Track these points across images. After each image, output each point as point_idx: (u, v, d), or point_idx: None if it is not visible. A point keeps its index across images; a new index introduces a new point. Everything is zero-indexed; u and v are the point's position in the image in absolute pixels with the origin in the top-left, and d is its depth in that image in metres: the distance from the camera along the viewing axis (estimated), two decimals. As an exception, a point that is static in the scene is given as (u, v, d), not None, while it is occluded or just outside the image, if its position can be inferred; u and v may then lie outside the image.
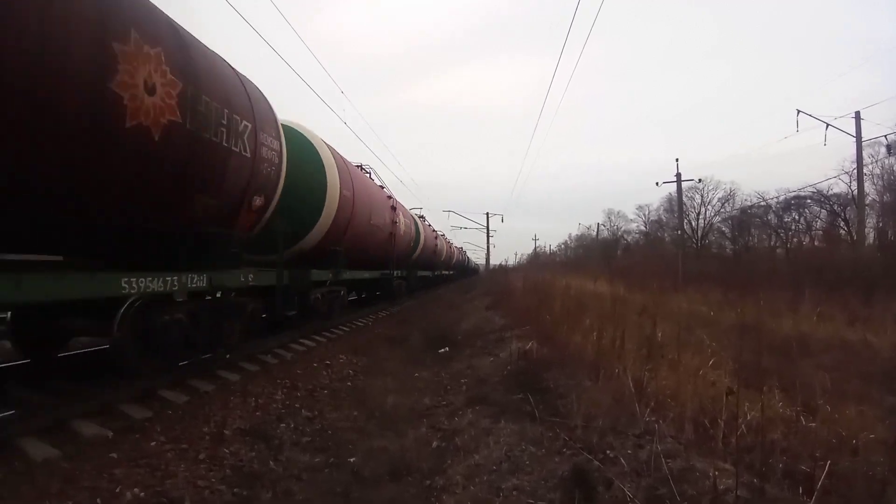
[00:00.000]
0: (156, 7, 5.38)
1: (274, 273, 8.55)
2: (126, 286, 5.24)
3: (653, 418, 4.37)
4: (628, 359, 6.01)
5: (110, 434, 4.55)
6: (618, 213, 68.01)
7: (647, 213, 59.55)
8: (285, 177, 8.16)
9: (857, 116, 21.73)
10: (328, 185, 10.46)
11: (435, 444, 4.99)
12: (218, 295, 7.06)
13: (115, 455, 4.17)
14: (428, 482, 4.10)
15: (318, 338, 10.53)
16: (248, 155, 6.83)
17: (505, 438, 4.56)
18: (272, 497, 3.88)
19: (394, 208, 16.59)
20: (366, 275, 14.84)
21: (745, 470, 3.35)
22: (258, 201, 7.41)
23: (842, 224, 35.40)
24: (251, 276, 7.70)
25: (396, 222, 16.91)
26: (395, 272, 18.03)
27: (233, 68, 6.98)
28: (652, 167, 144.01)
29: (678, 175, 30.43)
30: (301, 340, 9.83)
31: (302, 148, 10.14)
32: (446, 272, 41.14)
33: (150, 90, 4.91)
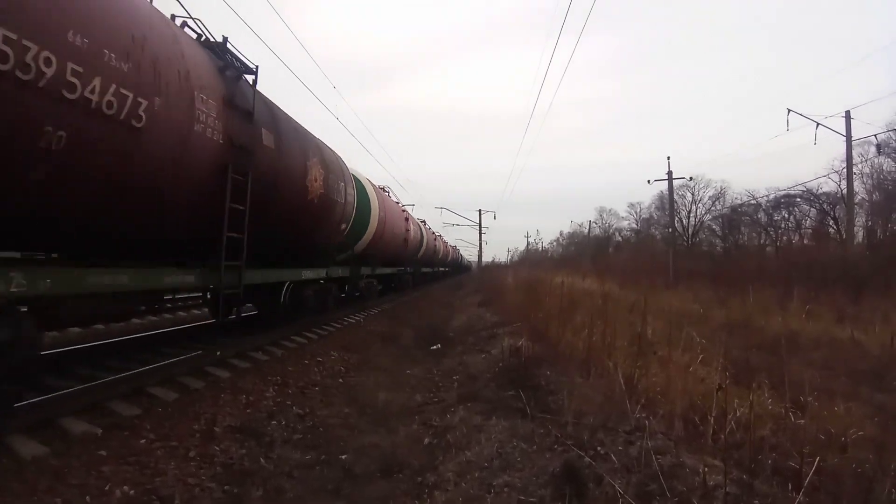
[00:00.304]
0: (314, 136, 10.29)
1: (347, 268, 13.89)
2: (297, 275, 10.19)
3: (643, 415, 4.40)
4: (619, 356, 6.04)
5: (99, 431, 4.52)
6: (609, 210, 68.26)
7: (638, 210, 59.78)
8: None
9: (848, 116, 21.90)
10: (372, 211, 15.56)
11: (426, 440, 4.99)
12: (322, 281, 11.66)
13: (104, 452, 4.14)
14: (419, 479, 4.10)
15: (309, 335, 10.49)
16: (342, 201, 11.13)
17: (496, 435, 4.56)
18: (263, 494, 3.87)
19: (407, 219, 21.30)
20: (388, 270, 19.88)
21: (734, 466, 3.37)
22: (343, 226, 12.07)
23: (831, 223, 35.67)
24: (340, 270, 13.30)
25: (408, 230, 21.46)
26: (406, 269, 23.70)
27: (333, 150, 11.25)
28: (643, 165, 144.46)
29: (669, 173, 30.59)
30: (292, 337, 9.79)
31: (357, 186, 13.78)
32: (443, 269, 45.66)
33: (314, 179, 9.35)
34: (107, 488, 3.60)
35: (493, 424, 4.86)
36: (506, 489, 3.54)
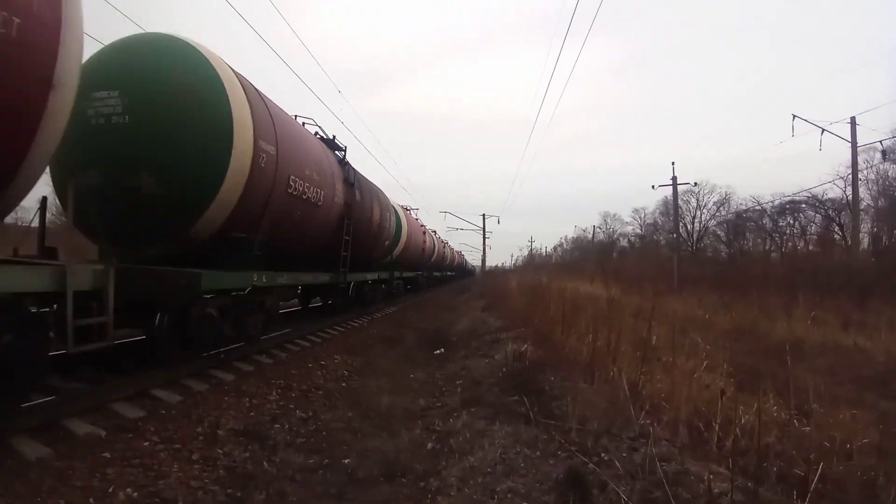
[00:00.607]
0: (376, 186, 15.82)
1: (387, 272, 18.26)
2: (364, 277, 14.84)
3: (647, 421, 4.37)
4: (623, 361, 6.02)
5: (103, 433, 4.53)
6: (614, 215, 68.31)
7: (642, 216, 59.73)
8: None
9: (853, 122, 21.84)
10: (402, 229, 19.31)
11: (430, 445, 4.98)
12: (371, 281, 15.76)
13: (107, 454, 4.15)
14: (422, 484, 4.09)
15: (312, 338, 10.52)
16: (388, 227, 15.80)
17: (500, 440, 4.55)
18: (266, 498, 3.86)
19: (424, 232, 26.04)
20: (411, 274, 24.57)
21: (739, 473, 3.35)
22: (388, 242, 16.77)
23: (836, 229, 35.60)
24: (384, 273, 18.13)
25: (425, 241, 26.40)
26: (422, 273, 28.55)
27: (383, 192, 16.24)
28: (648, 170, 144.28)
29: (674, 178, 30.52)
30: (296, 340, 9.82)
31: (395, 212, 18.43)
32: (449, 273, 49.08)
33: (376, 216, 14.62)
34: (110, 490, 3.61)
35: (496, 429, 4.85)
36: (509, 495, 3.53)
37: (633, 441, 4.02)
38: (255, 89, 7.65)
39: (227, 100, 6.41)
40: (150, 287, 5.87)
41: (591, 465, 3.59)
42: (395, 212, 18.58)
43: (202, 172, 6.20)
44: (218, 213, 6.54)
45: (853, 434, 4.24)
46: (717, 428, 3.96)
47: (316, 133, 11.38)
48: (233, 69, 7.03)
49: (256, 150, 6.91)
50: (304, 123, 10.60)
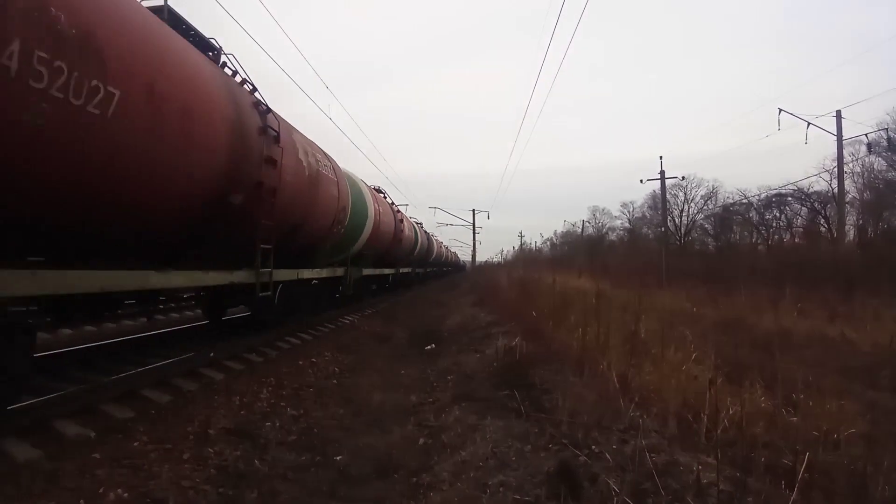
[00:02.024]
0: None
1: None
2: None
3: (637, 413, 4.42)
4: (613, 355, 6.06)
5: (92, 434, 4.50)
6: (602, 210, 68.43)
7: (631, 210, 59.90)
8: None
9: (839, 115, 22.04)
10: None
11: (421, 441, 4.99)
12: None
13: (97, 455, 4.12)
14: (415, 479, 4.10)
15: (303, 335, 10.49)
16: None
17: (491, 435, 4.57)
18: (258, 496, 3.85)
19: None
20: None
21: (727, 464, 3.39)
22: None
23: (822, 221, 35.92)
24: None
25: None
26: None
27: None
28: (637, 164, 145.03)
29: (662, 173, 30.73)
30: (286, 338, 9.78)
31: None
32: (437, 269, 47.93)
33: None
34: (100, 491, 3.58)
35: (487, 424, 4.87)
36: (501, 489, 3.55)
37: (623, 433, 4.05)
38: (372, 189, 16.57)
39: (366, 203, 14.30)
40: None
41: (581, 458, 3.62)
42: (414, 226, 21.27)
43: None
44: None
45: (840, 424, 4.30)
46: (705, 419, 4.00)
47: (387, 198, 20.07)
48: (367, 184, 15.76)
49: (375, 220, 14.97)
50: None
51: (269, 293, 8.49)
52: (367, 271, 16.67)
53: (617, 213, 64.29)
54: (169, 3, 6.52)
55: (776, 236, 40.32)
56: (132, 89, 4.71)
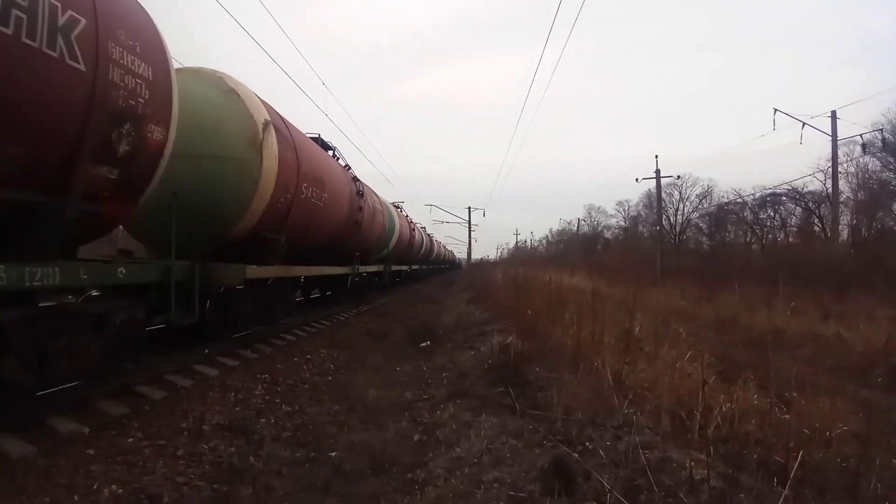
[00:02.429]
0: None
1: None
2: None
3: (631, 410, 4.43)
4: (607, 352, 6.08)
5: (86, 430, 4.49)
6: (598, 208, 68.52)
7: (626, 208, 60.00)
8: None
9: (833, 116, 22.12)
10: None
11: (416, 437, 5.00)
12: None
13: (92, 451, 4.11)
14: (409, 475, 4.11)
15: (298, 332, 10.48)
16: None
17: (486, 431, 4.58)
18: (252, 492, 3.85)
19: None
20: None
21: (720, 460, 3.41)
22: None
23: (816, 221, 36.05)
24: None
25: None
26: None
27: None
28: (632, 163, 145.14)
29: (657, 171, 30.77)
30: (282, 335, 9.77)
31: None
32: (434, 266, 48.55)
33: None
34: (95, 487, 3.58)
35: (482, 421, 4.88)
36: (495, 485, 3.56)
37: (616, 430, 4.07)
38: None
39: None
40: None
41: (575, 455, 3.64)
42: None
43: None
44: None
45: (833, 422, 4.33)
46: (698, 416, 4.02)
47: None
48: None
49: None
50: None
51: (357, 279, 15.32)
52: (394, 267, 22.38)
53: (612, 212, 64.41)
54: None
55: (770, 235, 40.53)
56: (329, 190, 10.57)
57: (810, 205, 36.52)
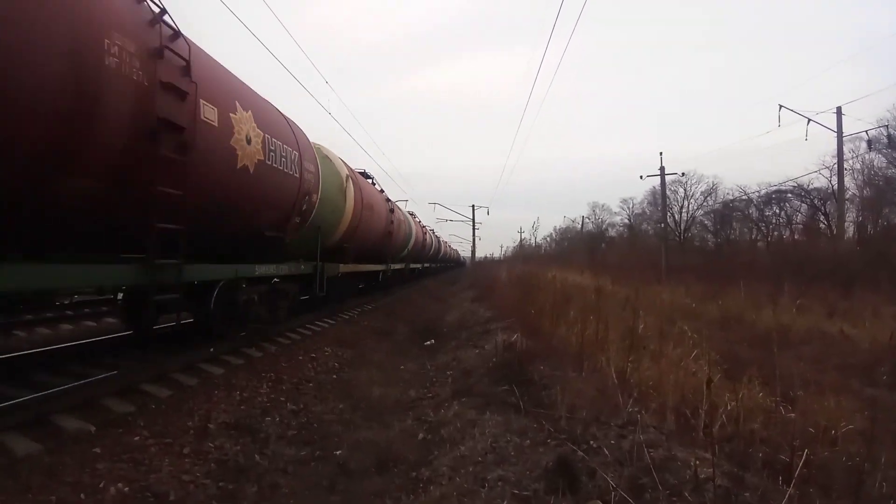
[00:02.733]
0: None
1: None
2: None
3: (635, 409, 4.43)
4: (612, 350, 6.07)
5: (93, 429, 4.51)
6: (602, 206, 68.32)
7: (631, 206, 59.78)
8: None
9: (839, 112, 22.02)
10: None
11: (421, 435, 5.01)
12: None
13: (97, 450, 4.13)
14: (414, 474, 4.12)
15: (302, 331, 10.50)
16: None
17: (490, 430, 4.59)
18: (258, 491, 3.88)
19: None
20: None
21: (725, 459, 3.41)
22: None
23: (822, 218, 35.88)
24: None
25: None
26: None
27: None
28: (636, 161, 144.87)
29: (662, 169, 30.68)
30: (286, 333, 9.80)
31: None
32: (436, 265, 47.76)
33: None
34: (101, 485, 3.60)
35: (486, 419, 4.89)
36: (500, 483, 3.56)
37: (621, 428, 4.07)
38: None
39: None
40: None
41: (580, 453, 3.64)
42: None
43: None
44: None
45: (838, 420, 4.31)
46: (703, 415, 4.02)
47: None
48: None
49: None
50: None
51: (389, 274, 19.78)
52: (412, 265, 25.96)
53: (617, 209, 64.18)
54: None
55: (776, 233, 40.31)
56: (375, 212, 15.57)
57: (816, 202, 36.33)
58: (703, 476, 3.07)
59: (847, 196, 28.58)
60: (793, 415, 4.21)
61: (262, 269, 8.40)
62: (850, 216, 31.25)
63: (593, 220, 69.11)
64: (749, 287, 15.82)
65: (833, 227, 30.91)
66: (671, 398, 4.66)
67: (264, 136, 7.53)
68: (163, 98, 5.14)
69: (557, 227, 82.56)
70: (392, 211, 18.97)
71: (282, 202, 8.49)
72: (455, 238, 75.10)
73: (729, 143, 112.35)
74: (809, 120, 22.13)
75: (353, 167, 14.44)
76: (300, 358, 8.21)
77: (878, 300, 13.75)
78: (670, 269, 27.89)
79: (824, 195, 34.75)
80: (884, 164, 31.15)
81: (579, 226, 69.18)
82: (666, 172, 31.05)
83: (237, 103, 6.90)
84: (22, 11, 3.70)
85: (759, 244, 38.97)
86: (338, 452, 4.64)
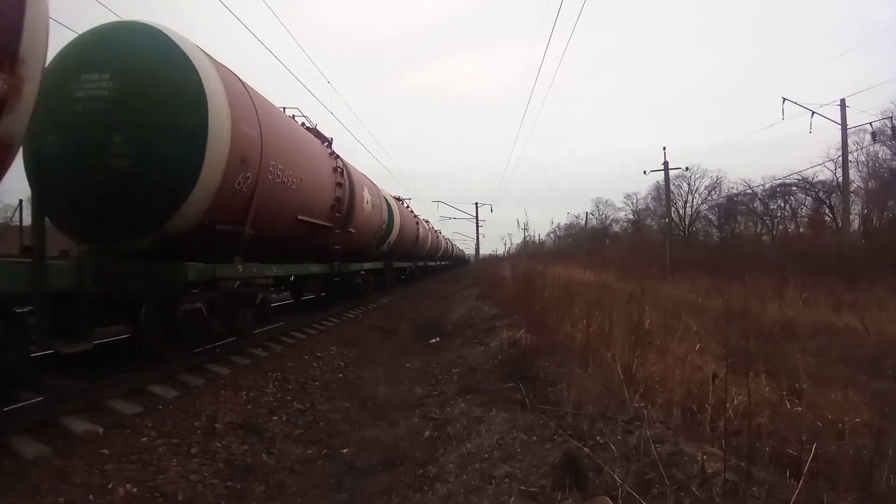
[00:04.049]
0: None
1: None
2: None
3: (642, 404, 4.42)
4: (617, 346, 6.06)
5: (101, 430, 4.53)
6: (606, 201, 68.29)
7: (635, 201, 59.73)
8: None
9: (843, 104, 21.86)
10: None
11: (427, 433, 5.02)
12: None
13: (106, 451, 4.15)
14: (421, 471, 4.12)
15: (308, 330, 10.52)
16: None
17: (496, 427, 4.59)
18: (265, 490, 3.89)
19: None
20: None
21: (732, 454, 3.40)
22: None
23: (827, 211, 35.77)
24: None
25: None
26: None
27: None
28: (639, 155, 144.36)
29: (665, 163, 30.54)
30: (291, 333, 9.82)
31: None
32: (442, 262, 48.53)
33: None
34: (110, 486, 3.62)
35: (492, 416, 4.89)
36: (506, 480, 3.57)
37: (627, 424, 4.06)
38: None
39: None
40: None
41: (586, 449, 3.63)
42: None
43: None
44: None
45: (845, 414, 4.30)
46: (709, 409, 4.01)
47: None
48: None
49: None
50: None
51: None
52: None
53: (620, 205, 64.17)
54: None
55: (781, 226, 40.23)
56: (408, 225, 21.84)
57: (821, 195, 36.25)
58: (710, 471, 3.06)
59: (852, 188, 28.47)
60: (800, 408, 4.20)
61: (366, 265, 15.33)
62: (856, 209, 31.17)
63: (597, 215, 69.07)
64: (754, 281, 15.78)
65: (838, 220, 30.78)
66: (677, 393, 4.66)
67: (371, 200, 13.85)
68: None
69: (561, 224, 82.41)
70: (417, 223, 26.18)
71: (375, 234, 14.50)
72: (459, 236, 74.97)
73: (732, 137, 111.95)
74: (813, 113, 21.98)
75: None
76: (306, 357, 8.22)
77: (883, 293, 13.69)
78: (675, 263, 27.80)
79: (829, 188, 34.65)
80: (888, 156, 31.05)
81: (583, 222, 69.09)
82: (670, 167, 30.94)
83: (364, 188, 11.49)
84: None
85: (764, 238, 38.93)
86: (344, 451, 4.65)
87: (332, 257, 11.46)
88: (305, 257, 10.25)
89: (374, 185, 15.94)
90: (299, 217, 8.89)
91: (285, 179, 8.09)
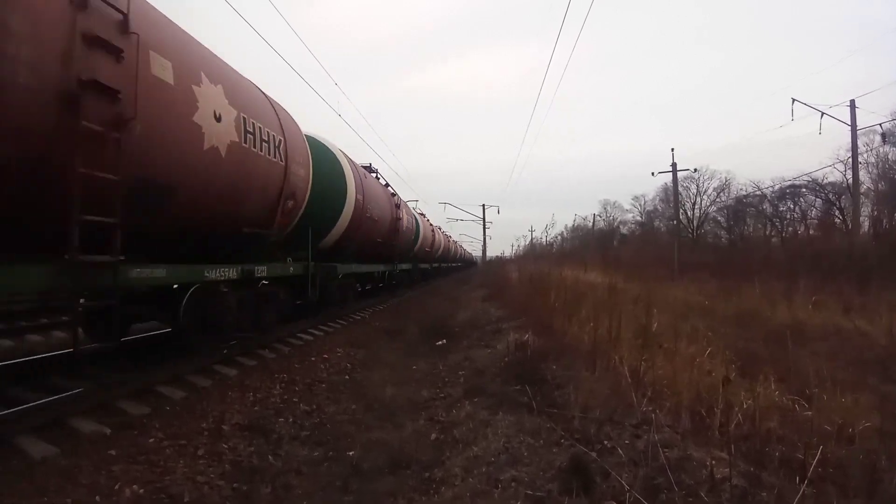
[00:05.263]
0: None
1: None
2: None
3: (650, 408, 4.39)
4: (625, 349, 6.03)
5: (108, 431, 4.56)
6: (614, 203, 68.16)
7: (643, 203, 59.57)
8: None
9: (852, 105, 21.70)
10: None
11: (433, 436, 5.00)
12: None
13: (113, 452, 4.17)
14: (427, 474, 4.11)
15: (314, 332, 10.54)
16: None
17: (503, 430, 4.57)
18: (271, 491, 3.89)
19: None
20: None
21: (741, 458, 3.37)
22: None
23: (837, 213, 35.53)
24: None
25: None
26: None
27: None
28: (647, 157, 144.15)
29: (674, 165, 30.43)
30: (298, 335, 9.84)
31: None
32: (446, 264, 47.97)
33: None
34: (116, 487, 3.64)
35: (499, 419, 4.87)
36: (513, 484, 3.55)
37: (635, 428, 4.03)
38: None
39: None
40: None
41: (593, 454, 3.61)
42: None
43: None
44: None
45: (855, 418, 4.26)
46: (718, 414, 3.98)
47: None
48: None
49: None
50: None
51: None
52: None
53: (628, 207, 64.05)
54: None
55: (790, 228, 39.98)
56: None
57: (830, 196, 36.01)
58: (719, 476, 3.04)
59: (862, 190, 28.23)
60: (809, 412, 4.16)
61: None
62: (866, 210, 30.92)
63: (605, 217, 68.91)
64: (764, 283, 15.68)
65: (848, 222, 30.55)
66: (686, 397, 4.62)
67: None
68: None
69: (568, 226, 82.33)
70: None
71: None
72: (465, 238, 75.02)
73: (742, 137, 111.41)
74: (823, 113, 21.83)
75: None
76: (312, 359, 8.23)
77: (894, 295, 13.56)
78: (683, 266, 27.69)
79: (839, 189, 34.41)
80: (898, 158, 30.75)
81: (590, 224, 68.94)
82: (678, 169, 30.82)
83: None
84: None
85: (774, 240, 38.67)
86: (351, 453, 4.64)
87: (386, 260, 17.42)
88: (375, 260, 16.03)
89: (408, 206, 21.74)
90: (377, 239, 15.17)
91: (373, 215, 13.94)
